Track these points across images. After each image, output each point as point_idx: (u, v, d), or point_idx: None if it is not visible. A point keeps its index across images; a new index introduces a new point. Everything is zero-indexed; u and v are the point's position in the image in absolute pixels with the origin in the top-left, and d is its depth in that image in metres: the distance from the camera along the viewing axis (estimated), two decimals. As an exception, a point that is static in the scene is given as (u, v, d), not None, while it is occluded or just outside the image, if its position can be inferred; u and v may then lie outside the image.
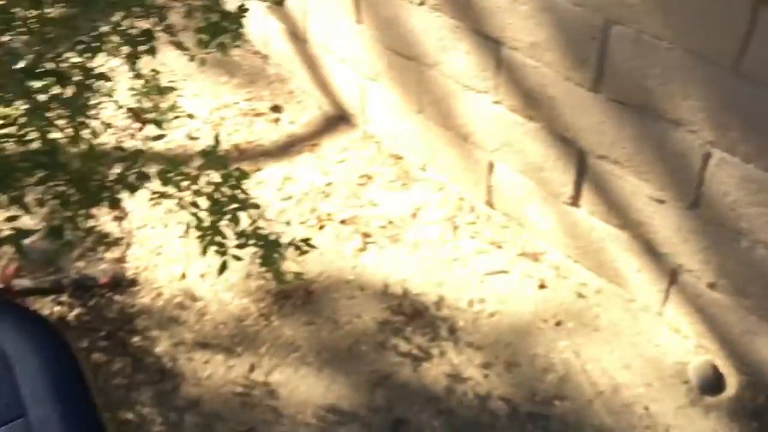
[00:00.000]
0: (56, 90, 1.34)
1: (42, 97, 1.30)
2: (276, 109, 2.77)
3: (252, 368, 1.92)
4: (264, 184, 2.45)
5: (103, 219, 2.23)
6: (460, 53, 2.04)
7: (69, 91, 1.32)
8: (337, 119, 2.70)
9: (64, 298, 2.08)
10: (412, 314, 2.04)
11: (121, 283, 2.12)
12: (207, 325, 2.03)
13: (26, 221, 1.46)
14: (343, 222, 2.32)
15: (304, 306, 2.08)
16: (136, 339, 2.00)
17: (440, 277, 2.13)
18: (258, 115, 2.75)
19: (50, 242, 2.24)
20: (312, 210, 2.36)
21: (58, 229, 1.34)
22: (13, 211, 1.39)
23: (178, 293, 2.12)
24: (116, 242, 2.25)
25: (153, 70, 1.78)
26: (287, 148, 2.62)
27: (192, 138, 2.60)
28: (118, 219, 1.67)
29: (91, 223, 1.61)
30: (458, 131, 2.23)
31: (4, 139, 1.30)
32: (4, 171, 1.25)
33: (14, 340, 0.32)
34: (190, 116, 1.76)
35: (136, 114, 1.41)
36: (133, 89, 1.82)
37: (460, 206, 2.34)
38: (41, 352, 0.32)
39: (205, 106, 2.75)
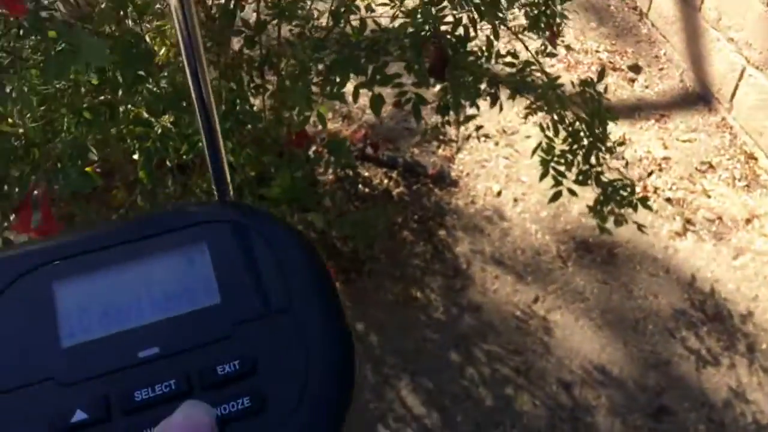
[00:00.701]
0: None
1: None
2: (635, 69, 2.69)
3: (536, 300, 1.97)
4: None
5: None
6: None
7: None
8: (697, 98, 2.55)
9: (393, 174, 2.28)
10: (714, 316, 1.93)
11: (444, 180, 2.27)
12: (507, 246, 2.11)
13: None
14: (668, 200, 2.23)
15: (603, 265, 2.06)
16: (442, 233, 2.14)
17: (757, 292, 1.98)
18: (615, 69, 2.70)
19: (396, 123, 2.46)
20: (639, 178, 2.30)
21: (445, 108, 1.46)
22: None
23: (490, 208, 2.21)
24: (449, 142, 2.40)
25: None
26: (634, 111, 2.55)
27: (544, 72, 2.63)
28: (465, 123, 1.77)
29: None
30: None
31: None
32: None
33: (279, 243, 0.36)
34: (568, 47, 1.78)
35: (550, 27, 1.46)
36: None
37: (804, 230, 2.13)
38: (301, 256, 0.36)
39: (567, 44, 2.76)
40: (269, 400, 0.33)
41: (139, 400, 0.32)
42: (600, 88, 1.63)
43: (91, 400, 0.32)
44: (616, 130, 2.45)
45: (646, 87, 2.63)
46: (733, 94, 2.37)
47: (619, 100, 2.59)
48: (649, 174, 2.30)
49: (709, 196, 2.23)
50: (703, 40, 2.50)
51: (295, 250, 0.38)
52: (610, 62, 2.72)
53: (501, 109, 1.55)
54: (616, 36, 2.83)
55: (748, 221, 2.15)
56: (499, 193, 2.25)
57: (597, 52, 2.76)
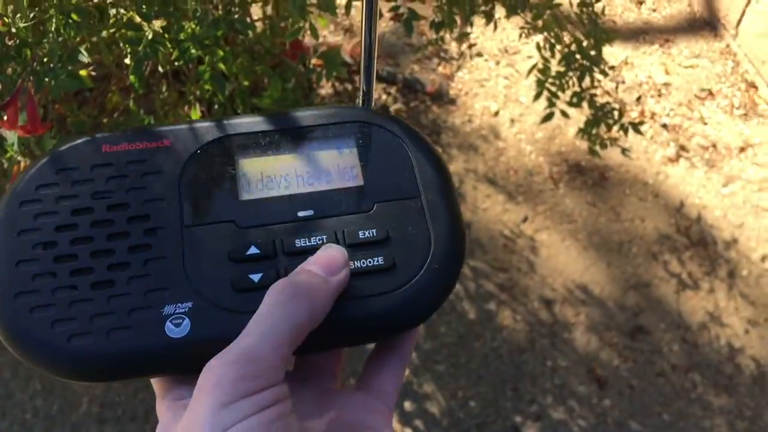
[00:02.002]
0: None
1: None
2: (644, -9, 2.64)
3: (525, 220, 2.01)
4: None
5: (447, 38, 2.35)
6: None
7: None
8: (703, 24, 2.51)
9: (392, 90, 2.28)
10: (698, 242, 1.97)
11: (443, 98, 2.27)
12: (500, 165, 2.13)
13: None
14: (664, 126, 2.24)
15: (594, 187, 2.09)
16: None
17: (743, 220, 2.01)
18: (623, -9, 2.64)
19: (397, 39, 2.44)
20: (637, 102, 2.30)
21: (439, 25, 1.45)
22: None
23: (486, 127, 2.22)
24: (450, 60, 2.38)
25: None
26: (639, 34, 2.52)
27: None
28: (460, 40, 1.75)
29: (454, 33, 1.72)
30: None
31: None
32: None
33: (411, 143, 0.45)
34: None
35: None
36: None
37: (796, 161, 2.14)
38: (428, 155, 0.45)
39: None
40: (397, 263, 0.41)
41: (297, 246, 0.41)
42: (598, 7, 1.61)
43: (263, 240, 0.41)
44: (618, 53, 2.43)
45: (654, 10, 2.58)
46: (739, 21, 2.33)
47: (625, 22, 2.55)
48: (640, 98, 2.29)
49: (705, 124, 2.23)
50: (714, -37, 2.44)
51: (423, 149, 0.46)
52: (619, -17, 2.67)
53: (495, 27, 1.54)
54: (628, -45, 2.75)
55: (741, 150, 2.16)
56: (496, 113, 2.26)
57: (606, -29, 2.69)
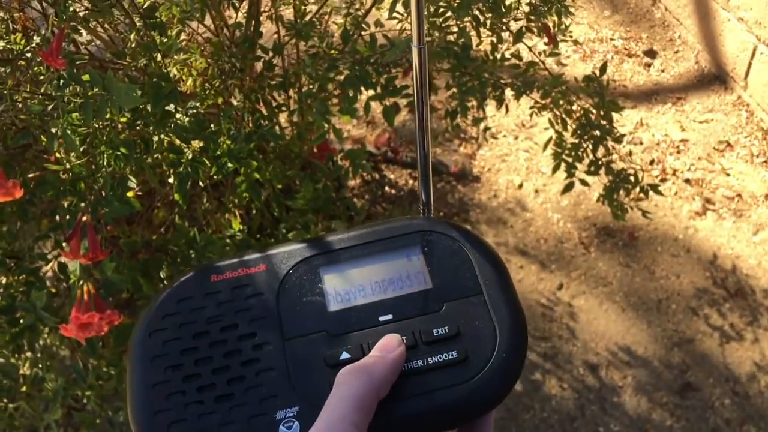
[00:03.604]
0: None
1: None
2: (650, 53, 2.74)
3: (560, 287, 2.05)
4: (616, 125, 2.47)
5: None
6: None
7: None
8: (712, 79, 2.59)
9: (416, 174, 2.37)
10: (736, 292, 1.98)
11: (467, 177, 2.35)
12: (530, 236, 2.19)
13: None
14: (687, 181, 2.28)
15: (625, 248, 2.13)
16: (467, 227, 2.23)
17: (778, 266, 2.02)
18: (630, 55, 2.74)
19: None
20: (658, 161, 2.35)
21: (453, 114, 1.55)
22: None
23: (512, 200, 2.29)
24: (470, 140, 2.48)
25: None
26: (650, 95, 2.60)
27: (560, 64, 2.70)
28: (476, 125, 1.84)
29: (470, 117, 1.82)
30: None
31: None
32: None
33: (470, 246, 0.53)
34: (576, 42, 1.83)
35: (547, 29, 1.53)
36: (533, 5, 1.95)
37: (824, 202, 2.15)
38: (487, 255, 0.53)
39: (581, 35, 2.81)
40: (470, 355, 0.47)
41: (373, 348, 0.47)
42: (603, 79, 1.70)
43: (352, 346, 0.47)
44: (633, 115, 2.51)
45: (662, 71, 2.67)
46: (747, 72, 2.40)
47: (636, 85, 2.64)
48: (653, 160, 2.35)
49: (728, 175, 2.27)
50: (714, 21, 2.53)
51: (480, 250, 0.53)
52: (626, 49, 2.77)
53: (507, 110, 1.63)
54: (631, 22, 2.87)
55: (767, 197, 2.19)
56: (520, 186, 2.33)
57: (612, 39, 2.80)
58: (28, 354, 1.26)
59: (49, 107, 1.09)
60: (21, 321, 1.12)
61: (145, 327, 0.49)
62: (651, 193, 1.81)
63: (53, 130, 1.06)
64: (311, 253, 0.53)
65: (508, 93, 1.64)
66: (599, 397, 1.81)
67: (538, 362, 1.88)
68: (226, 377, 0.46)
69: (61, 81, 1.02)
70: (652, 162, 2.35)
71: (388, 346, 0.46)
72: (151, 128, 1.14)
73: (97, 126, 1.12)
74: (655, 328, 1.93)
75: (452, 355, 0.47)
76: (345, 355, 0.47)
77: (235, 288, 0.50)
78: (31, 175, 1.31)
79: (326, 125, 1.47)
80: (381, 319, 0.49)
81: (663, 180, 2.31)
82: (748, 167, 2.28)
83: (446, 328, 0.48)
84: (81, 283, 1.03)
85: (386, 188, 2.31)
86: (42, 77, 1.08)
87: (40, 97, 1.09)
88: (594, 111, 1.73)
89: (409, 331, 0.48)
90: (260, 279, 0.51)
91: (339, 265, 0.52)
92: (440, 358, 0.47)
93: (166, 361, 0.47)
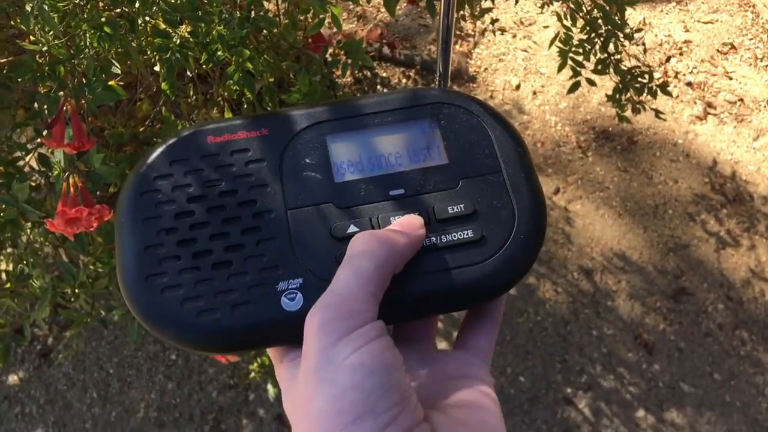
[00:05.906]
0: None
1: None
2: (656, -51, 2.60)
3: (557, 191, 2.00)
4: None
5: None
6: None
7: None
8: (720, -23, 2.47)
9: (411, 73, 2.27)
10: (734, 198, 1.95)
11: (463, 76, 2.26)
12: (527, 139, 2.12)
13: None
14: (689, 85, 2.21)
15: (623, 153, 2.07)
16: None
17: (778, 172, 1.99)
18: (635, -50, 2.60)
19: (411, 21, 2.43)
20: (660, 63, 2.27)
21: (461, 2, 1.44)
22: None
23: (509, 102, 2.21)
24: (466, 38, 2.37)
25: None
26: (654, -7, 2.49)
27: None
28: (481, 17, 1.74)
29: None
30: None
31: None
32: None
33: (490, 122, 0.46)
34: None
35: None
36: None
37: (827, 108, 2.10)
38: (507, 132, 0.47)
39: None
40: (486, 235, 0.44)
41: (392, 222, 0.44)
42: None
43: (361, 219, 0.44)
44: (636, 14, 2.40)
45: (667, -33, 2.54)
46: (758, -30, 2.30)
47: (639, -17, 2.52)
48: (668, 59, 2.27)
49: (730, 78, 2.20)
50: None
51: (501, 126, 0.48)
52: (630, -57, 2.63)
53: (517, 1, 1.52)
54: None
55: (770, 102, 2.14)
56: (517, 87, 2.24)
57: (616, -67, 2.65)
58: (9, 250, 1.19)
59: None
60: (2, 215, 1.04)
61: (135, 186, 0.45)
62: (649, 97, 1.74)
63: (28, 7, 0.95)
64: (318, 120, 0.48)
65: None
66: (593, 302, 1.80)
67: (533, 266, 1.86)
68: (224, 244, 0.43)
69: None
70: (655, 63, 2.27)
71: (412, 224, 0.43)
72: (137, 5, 1.04)
73: (77, 2, 1.01)
74: (651, 233, 1.91)
75: (467, 234, 0.44)
76: (353, 228, 0.44)
77: (234, 152, 0.46)
78: (3, 61, 1.21)
79: (324, 13, 1.37)
80: (392, 193, 0.45)
81: (665, 83, 2.23)
82: (752, 71, 2.21)
83: (462, 206, 0.45)
84: (66, 175, 0.95)
85: (378, 87, 2.21)
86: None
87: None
88: (604, 4, 1.63)
89: (422, 208, 0.45)
90: (262, 144, 0.47)
91: (347, 134, 0.48)
92: (455, 237, 0.44)
93: (159, 224, 0.44)
